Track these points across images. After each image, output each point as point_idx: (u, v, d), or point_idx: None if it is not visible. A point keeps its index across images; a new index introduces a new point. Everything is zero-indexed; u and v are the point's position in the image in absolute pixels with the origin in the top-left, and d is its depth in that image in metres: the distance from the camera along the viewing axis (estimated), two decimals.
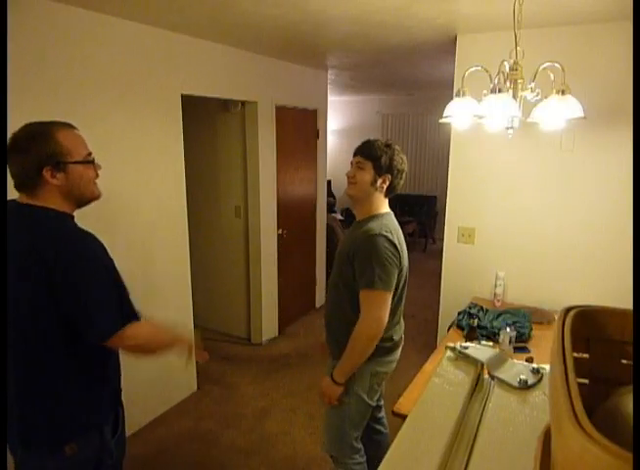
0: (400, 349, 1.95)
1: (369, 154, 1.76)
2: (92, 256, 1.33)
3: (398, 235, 1.76)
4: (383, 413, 2.21)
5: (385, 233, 1.67)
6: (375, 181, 1.76)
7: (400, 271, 1.74)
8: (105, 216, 2.47)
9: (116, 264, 1.46)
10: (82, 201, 1.43)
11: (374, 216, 1.77)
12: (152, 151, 2.70)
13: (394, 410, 1.76)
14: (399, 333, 1.90)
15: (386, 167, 1.76)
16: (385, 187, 1.79)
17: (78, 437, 1.43)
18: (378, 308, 1.67)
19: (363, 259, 1.67)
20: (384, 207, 1.84)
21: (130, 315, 1.39)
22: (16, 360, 1.33)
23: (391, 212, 1.86)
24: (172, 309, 2.98)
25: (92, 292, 1.31)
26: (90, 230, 1.41)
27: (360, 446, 1.96)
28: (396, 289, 1.76)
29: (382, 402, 2.19)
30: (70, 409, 1.41)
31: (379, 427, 2.18)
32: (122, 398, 1.91)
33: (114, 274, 1.39)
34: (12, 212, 1.33)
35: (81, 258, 1.31)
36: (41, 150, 1.32)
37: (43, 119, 2.18)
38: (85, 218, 2.41)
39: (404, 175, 1.82)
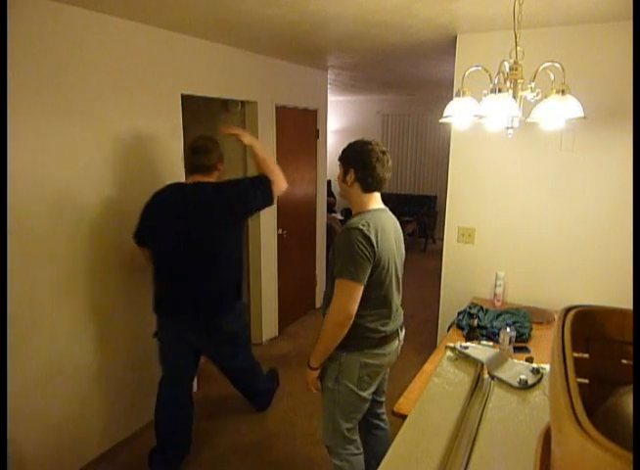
0: (395, 343, 1.94)
1: (339, 156, 1.89)
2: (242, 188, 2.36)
3: (380, 230, 1.76)
4: (383, 409, 2.22)
5: (360, 227, 1.71)
6: (344, 179, 1.86)
7: (377, 266, 1.75)
8: (104, 215, 2.47)
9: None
10: None
11: (360, 213, 1.83)
12: (152, 151, 2.70)
13: (394, 410, 1.77)
14: (391, 327, 1.90)
15: (347, 162, 1.85)
16: (351, 181, 1.84)
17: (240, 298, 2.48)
18: (344, 297, 1.73)
19: (338, 250, 1.77)
20: (371, 203, 1.85)
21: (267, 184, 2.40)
22: (210, 259, 2.28)
23: (383, 209, 1.89)
24: None
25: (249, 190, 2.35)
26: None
27: (355, 437, 1.98)
28: (379, 282, 1.79)
29: (382, 399, 2.20)
30: (231, 288, 2.39)
31: (378, 422, 2.20)
32: (123, 396, 2.62)
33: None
34: (198, 185, 2.30)
35: (238, 191, 2.32)
36: (218, 151, 2.37)
37: (43, 119, 2.19)
38: (85, 217, 2.42)
39: (378, 168, 1.80)
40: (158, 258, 2.34)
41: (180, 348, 2.42)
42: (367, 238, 1.70)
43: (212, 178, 2.33)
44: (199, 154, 2.30)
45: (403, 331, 2.02)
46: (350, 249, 1.70)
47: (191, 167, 2.33)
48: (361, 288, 1.73)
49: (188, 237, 2.24)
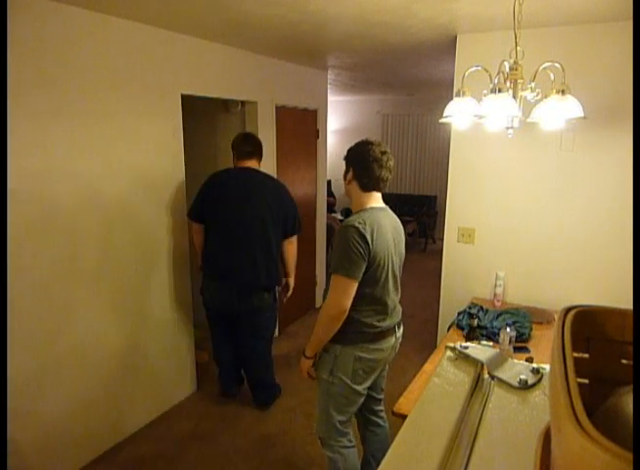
0: (391, 340, 1.96)
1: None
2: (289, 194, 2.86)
3: (377, 228, 1.78)
4: (381, 407, 2.23)
5: (357, 225, 1.75)
6: (345, 177, 1.92)
7: (373, 263, 1.78)
8: (104, 215, 2.47)
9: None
10: None
11: (358, 211, 1.87)
12: (152, 151, 2.70)
13: (394, 410, 1.77)
14: (387, 323, 1.91)
15: (348, 161, 1.91)
16: (350, 179, 1.90)
17: (275, 286, 2.91)
18: (338, 292, 1.78)
19: (335, 247, 1.80)
20: (370, 202, 1.88)
21: (301, 228, 2.91)
22: (268, 246, 2.74)
23: (382, 208, 1.91)
24: (172, 308, 2.98)
25: (293, 212, 2.83)
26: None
27: (347, 430, 2.02)
28: (374, 279, 1.82)
29: (381, 396, 2.21)
30: (277, 270, 2.85)
31: (377, 419, 2.21)
32: (122, 396, 2.72)
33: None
34: (249, 171, 2.79)
35: (287, 193, 2.86)
36: (260, 142, 2.89)
37: (44, 119, 2.19)
38: (86, 215, 2.42)
39: (375, 168, 1.84)
40: (217, 231, 2.75)
41: (217, 306, 2.87)
42: (362, 236, 1.73)
43: (257, 164, 2.84)
44: (250, 141, 2.83)
45: (401, 328, 2.04)
46: (346, 246, 1.74)
47: (241, 153, 2.79)
48: (355, 284, 1.77)
49: (248, 213, 2.70)
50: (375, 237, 1.76)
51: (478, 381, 0.91)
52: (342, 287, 1.77)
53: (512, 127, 1.78)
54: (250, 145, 2.81)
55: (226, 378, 3.10)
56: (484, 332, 2.33)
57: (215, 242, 2.77)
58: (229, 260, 2.74)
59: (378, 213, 1.85)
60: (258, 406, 3.06)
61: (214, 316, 2.96)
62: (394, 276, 1.92)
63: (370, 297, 1.84)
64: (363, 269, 1.77)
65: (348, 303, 1.78)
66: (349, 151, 1.91)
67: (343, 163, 1.93)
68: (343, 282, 1.76)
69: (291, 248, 2.89)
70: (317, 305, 4.71)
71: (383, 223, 1.83)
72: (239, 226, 2.70)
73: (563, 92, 1.66)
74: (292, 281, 3.03)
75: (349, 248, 1.73)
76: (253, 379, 3.06)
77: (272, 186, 2.81)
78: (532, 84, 1.74)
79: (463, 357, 0.97)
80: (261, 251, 2.73)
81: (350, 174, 1.89)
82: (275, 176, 3.87)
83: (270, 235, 2.74)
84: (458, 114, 1.82)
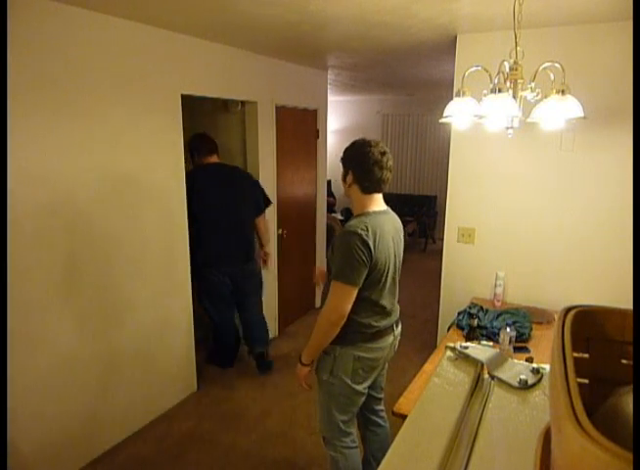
0: (389, 338, 1.96)
1: (341, 155, 1.91)
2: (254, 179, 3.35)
3: (379, 233, 1.77)
4: (382, 406, 2.23)
5: (359, 232, 1.72)
6: (344, 179, 1.88)
7: (374, 269, 1.77)
8: (104, 215, 2.47)
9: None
10: None
11: (359, 215, 1.84)
12: (152, 151, 2.70)
13: (394, 410, 1.77)
14: (385, 322, 1.92)
15: (346, 163, 1.87)
16: (350, 182, 1.86)
17: (255, 258, 3.37)
18: (338, 298, 1.77)
19: (336, 253, 1.79)
20: (372, 205, 1.86)
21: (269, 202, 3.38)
22: (248, 227, 3.25)
23: (383, 211, 1.88)
24: (172, 310, 2.98)
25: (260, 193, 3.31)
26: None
27: (351, 430, 2.02)
28: (375, 283, 1.81)
29: (381, 395, 2.21)
30: (254, 243, 3.34)
31: (377, 419, 2.21)
32: (122, 396, 2.75)
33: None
34: (221, 165, 3.20)
35: (251, 178, 3.34)
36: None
37: (43, 118, 2.18)
38: (87, 214, 2.42)
39: (376, 171, 1.80)
40: (210, 223, 3.11)
41: (222, 288, 3.24)
42: (365, 243, 1.71)
43: (218, 158, 3.21)
44: (209, 139, 3.18)
45: (399, 327, 2.04)
46: (348, 253, 1.72)
47: (205, 150, 3.15)
48: (356, 290, 1.76)
49: (230, 206, 3.10)
50: (377, 243, 1.75)
51: (478, 381, 0.91)
52: (343, 293, 1.76)
53: (512, 127, 1.78)
54: (210, 142, 3.18)
55: (227, 351, 3.54)
56: (484, 332, 2.33)
57: (211, 237, 3.14)
58: (222, 247, 3.16)
59: (380, 218, 1.83)
60: (262, 372, 3.42)
61: (216, 298, 3.32)
62: (393, 279, 1.93)
63: (368, 299, 1.84)
64: (364, 276, 1.76)
65: (348, 308, 1.77)
66: (347, 151, 1.86)
67: (342, 164, 1.89)
68: (345, 289, 1.75)
69: (263, 223, 3.36)
70: (317, 306, 4.71)
71: (385, 227, 1.82)
72: (224, 218, 3.10)
73: (563, 92, 1.66)
74: (270, 249, 3.55)
75: (352, 255, 1.71)
76: (257, 339, 3.42)
77: (241, 176, 3.23)
78: (532, 84, 1.73)
79: (463, 357, 0.97)
80: (242, 233, 3.20)
81: (350, 177, 1.84)
82: (275, 176, 3.90)
83: (246, 219, 3.23)
84: (458, 114, 1.82)
